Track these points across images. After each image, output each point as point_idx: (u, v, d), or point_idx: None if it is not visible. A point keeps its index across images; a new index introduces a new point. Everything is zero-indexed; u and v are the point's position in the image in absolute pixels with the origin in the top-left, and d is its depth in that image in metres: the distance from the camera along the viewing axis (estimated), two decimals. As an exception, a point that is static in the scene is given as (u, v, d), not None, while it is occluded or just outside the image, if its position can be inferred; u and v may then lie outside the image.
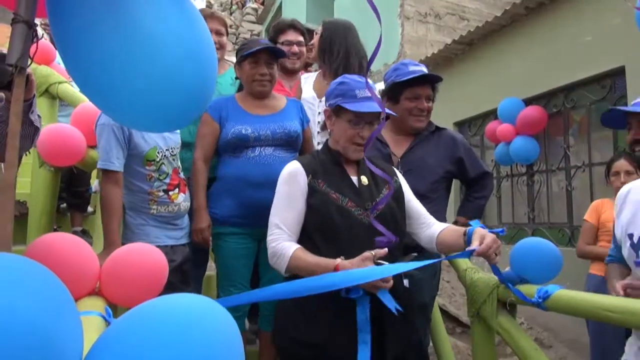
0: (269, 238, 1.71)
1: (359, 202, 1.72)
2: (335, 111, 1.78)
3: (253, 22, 15.86)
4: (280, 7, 13.97)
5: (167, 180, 2.10)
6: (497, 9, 7.15)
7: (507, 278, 1.81)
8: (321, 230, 1.69)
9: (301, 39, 2.94)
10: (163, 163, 2.09)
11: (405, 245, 1.89)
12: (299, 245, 1.68)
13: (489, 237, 1.53)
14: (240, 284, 2.29)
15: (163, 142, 2.11)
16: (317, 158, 1.82)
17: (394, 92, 2.25)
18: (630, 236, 1.52)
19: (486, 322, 1.94)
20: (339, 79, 1.79)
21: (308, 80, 2.77)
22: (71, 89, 2.80)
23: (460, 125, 6.20)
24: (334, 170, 1.78)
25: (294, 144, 2.35)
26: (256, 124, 2.28)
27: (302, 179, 1.73)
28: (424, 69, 2.24)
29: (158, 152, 2.07)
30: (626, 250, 1.55)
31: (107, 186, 1.95)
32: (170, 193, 2.10)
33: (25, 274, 0.51)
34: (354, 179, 1.78)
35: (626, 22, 3.73)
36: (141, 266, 1.47)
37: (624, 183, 2.73)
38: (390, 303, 1.53)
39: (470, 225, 1.64)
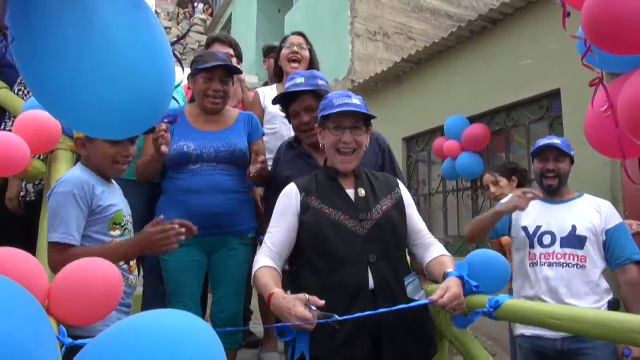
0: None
1: (352, 214, 1.73)
2: (320, 124, 1.83)
3: (201, 33, 15.65)
4: (230, 19, 13.91)
5: None
6: (442, 30, 7.46)
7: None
8: (316, 248, 1.72)
9: (229, 50, 2.90)
10: (127, 228, 1.87)
11: None
12: (267, 263, 1.69)
13: (452, 291, 1.57)
14: (191, 300, 2.21)
15: (125, 207, 1.90)
16: (314, 177, 1.86)
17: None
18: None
19: (440, 332, 1.99)
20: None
21: (271, 95, 2.76)
22: (12, 94, 2.65)
23: (408, 141, 6.37)
24: (329, 185, 1.81)
25: (238, 162, 2.29)
26: (200, 141, 2.24)
27: (295, 197, 1.77)
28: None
29: (124, 215, 1.86)
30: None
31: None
32: (131, 263, 1.86)
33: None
34: (351, 192, 1.80)
35: (562, 48, 3.99)
36: (94, 283, 1.38)
37: (494, 193, 3.09)
38: (301, 347, 1.54)
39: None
